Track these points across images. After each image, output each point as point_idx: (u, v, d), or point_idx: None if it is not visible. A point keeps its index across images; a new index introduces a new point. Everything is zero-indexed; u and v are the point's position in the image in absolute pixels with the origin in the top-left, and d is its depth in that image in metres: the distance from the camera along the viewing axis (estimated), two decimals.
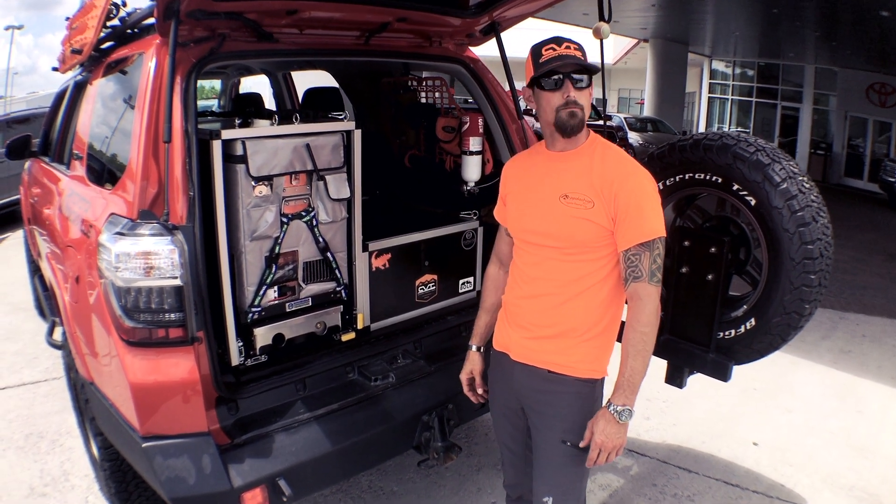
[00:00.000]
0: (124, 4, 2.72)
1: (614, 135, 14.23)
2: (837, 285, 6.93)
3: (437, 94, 3.59)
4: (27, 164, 4.76)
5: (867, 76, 18.12)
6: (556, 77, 1.75)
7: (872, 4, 10.23)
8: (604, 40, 2.38)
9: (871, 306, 6.47)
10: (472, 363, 2.17)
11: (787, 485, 3.26)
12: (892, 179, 14.63)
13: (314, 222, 2.47)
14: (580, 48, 1.77)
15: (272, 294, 2.42)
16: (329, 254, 2.54)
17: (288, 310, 2.47)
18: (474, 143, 3.06)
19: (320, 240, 2.50)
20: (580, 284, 1.83)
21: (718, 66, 24.41)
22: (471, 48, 3.12)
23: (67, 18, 3.42)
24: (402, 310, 2.85)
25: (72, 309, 2.44)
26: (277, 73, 5.52)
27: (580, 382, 1.88)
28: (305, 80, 5.57)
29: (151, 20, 2.34)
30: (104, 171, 2.44)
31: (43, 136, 4.47)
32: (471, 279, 3.10)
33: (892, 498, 3.18)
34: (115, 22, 2.70)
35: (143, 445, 1.93)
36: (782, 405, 4.13)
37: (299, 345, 2.51)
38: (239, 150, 2.19)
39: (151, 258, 1.85)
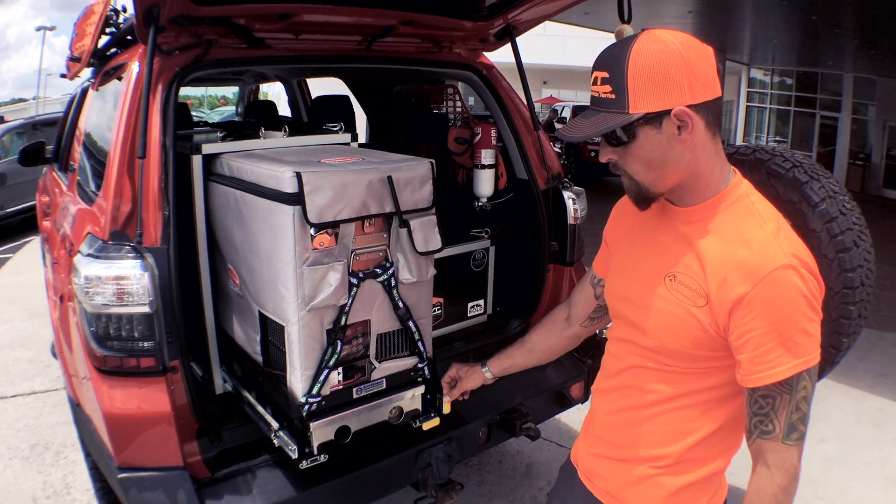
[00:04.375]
0: (124, 10, 2.64)
1: None
2: (874, 302, 6.59)
3: (449, 104, 3.41)
4: (44, 169, 4.76)
5: None
6: None
7: None
8: None
9: None
10: (469, 376, 1.77)
11: None
12: None
13: (392, 282, 1.90)
14: (611, 79, 1.10)
15: (335, 377, 1.83)
16: (411, 322, 1.95)
17: (355, 396, 1.89)
18: (487, 156, 2.87)
19: (400, 305, 1.93)
20: (676, 401, 1.26)
21: (756, 74, 23.79)
22: (485, 54, 2.94)
23: (74, 24, 3.36)
24: None
25: (58, 327, 2.36)
26: (292, 80, 5.35)
27: None
28: (322, 87, 5.44)
29: None
30: (88, 186, 2.33)
31: (56, 142, 4.46)
32: (481, 302, 2.90)
33: None
34: (115, 28, 2.62)
35: (119, 476, 1.83)
36: (816, 434, 3.87)
37: None
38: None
39: (123, 283, 1.73)
